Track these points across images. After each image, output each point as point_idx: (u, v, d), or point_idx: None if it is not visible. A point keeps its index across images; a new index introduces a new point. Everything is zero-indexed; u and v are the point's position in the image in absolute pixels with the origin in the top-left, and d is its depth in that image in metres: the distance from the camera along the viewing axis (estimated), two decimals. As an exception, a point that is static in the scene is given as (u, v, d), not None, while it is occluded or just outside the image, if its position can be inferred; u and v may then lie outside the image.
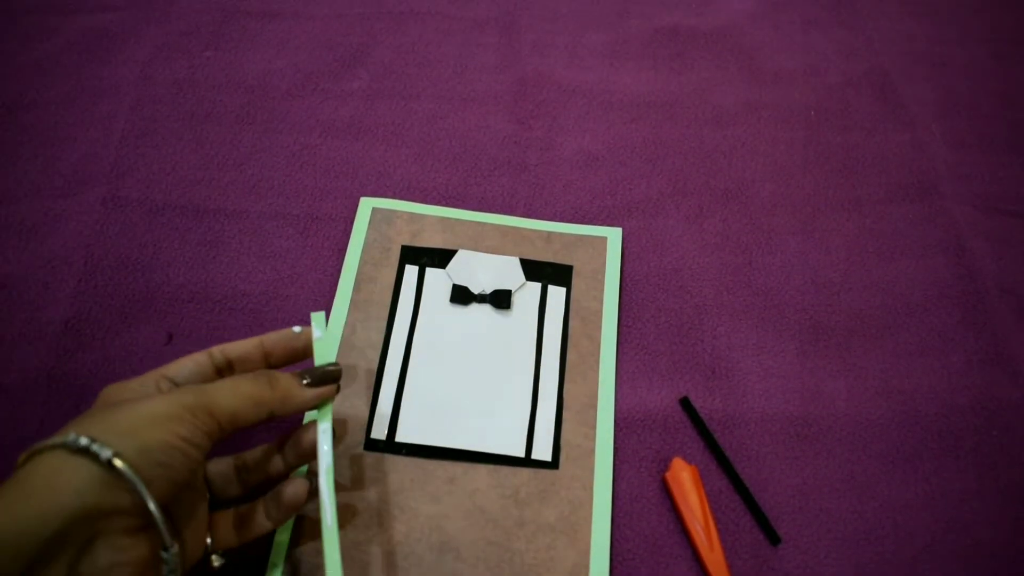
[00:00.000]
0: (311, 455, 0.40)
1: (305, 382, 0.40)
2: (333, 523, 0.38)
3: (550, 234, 0.55)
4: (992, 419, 0.50)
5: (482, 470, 0.46)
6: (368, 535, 0.44)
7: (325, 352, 0.42)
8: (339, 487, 0.45)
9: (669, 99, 0.64)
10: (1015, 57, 0.70)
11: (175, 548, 0.34)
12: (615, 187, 0.59)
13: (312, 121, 0.61)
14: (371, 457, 0.46)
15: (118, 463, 0.31)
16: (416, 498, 0.45)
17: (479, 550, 0.44)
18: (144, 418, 0.33)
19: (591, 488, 0.46)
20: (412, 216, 0.55)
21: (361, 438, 0.47)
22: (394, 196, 0.57)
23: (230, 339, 0.49)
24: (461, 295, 0.52)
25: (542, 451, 0.47)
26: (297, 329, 0.42)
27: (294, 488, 0.40)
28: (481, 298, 0.52)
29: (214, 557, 0.39)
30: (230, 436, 0.37)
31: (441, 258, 0.54)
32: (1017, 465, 0.49)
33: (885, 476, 0.48)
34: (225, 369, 0.41)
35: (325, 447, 0.39)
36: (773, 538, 0.45)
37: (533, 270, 0.53)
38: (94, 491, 0.31)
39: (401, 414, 0.48)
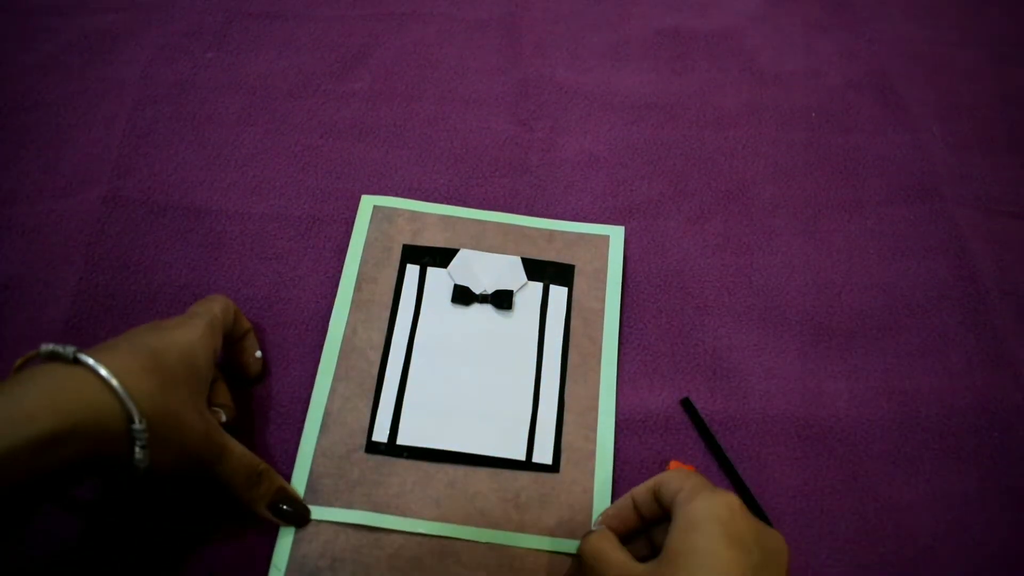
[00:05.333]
0: None
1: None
2: None
3: (552, 232, 0.55)
4: (993, 421, 0.50)
5: (483, 473, 0.46)
6: (369, 539, 0.44)
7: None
8: (341, 489, 0.45)
9: (670, 100, 0.64)
10: (1015, 59, 0.70)
11: (143, 424, 0.36)
12: (616, 188, 0.59)
13: (314, 122, 0.61)
14: (373, 460, 0.46)
15: (85, 358, 0.35)
16: (417, 501, 0.45)
17: (480, 554, 0.44)
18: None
19: (591, 491, 0.46)
20: (413, 214, 0.55)
21: (363, 441, 0.47)
22: (396, 197, 0.57)
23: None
24: (462, 296, 0.52)
25: (543, 454, 0.47)
26: None
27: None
28: (483, 299, 0.52)
29: (215, 408, 0.44)
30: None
31: (443, 257, 0.53)
32: (1018, 467, 0.49)
33: (886, 477, 0.48)
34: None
35: None
36: (774, 539, 0.45)
37: (535, 269, 0.53)
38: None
39: (402, 417, 0.48)
